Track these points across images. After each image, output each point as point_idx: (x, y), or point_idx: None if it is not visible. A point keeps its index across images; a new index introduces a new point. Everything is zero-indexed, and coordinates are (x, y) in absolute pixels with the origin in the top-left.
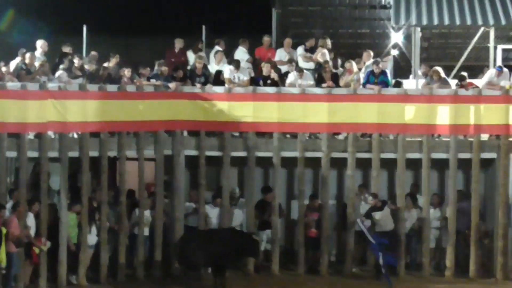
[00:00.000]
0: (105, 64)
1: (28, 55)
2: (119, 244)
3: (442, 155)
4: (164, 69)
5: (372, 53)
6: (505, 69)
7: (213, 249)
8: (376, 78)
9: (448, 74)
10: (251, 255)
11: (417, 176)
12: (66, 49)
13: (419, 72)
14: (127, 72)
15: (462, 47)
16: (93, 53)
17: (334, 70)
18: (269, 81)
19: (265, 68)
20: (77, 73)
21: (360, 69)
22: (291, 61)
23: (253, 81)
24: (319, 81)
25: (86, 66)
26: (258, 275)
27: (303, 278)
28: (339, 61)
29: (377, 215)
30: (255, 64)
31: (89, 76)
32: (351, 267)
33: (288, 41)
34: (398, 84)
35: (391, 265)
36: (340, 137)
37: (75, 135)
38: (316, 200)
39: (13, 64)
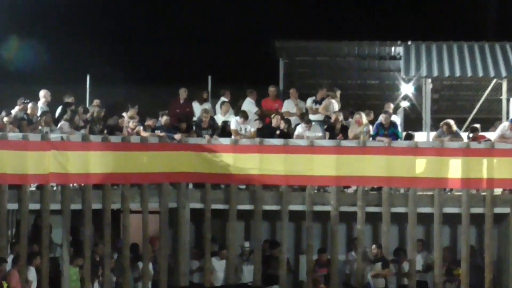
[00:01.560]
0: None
1: (30, 105)
2: None
3: (454, 210)
4: (168, 119)
5: (392, 105)
6: None
7: None
8: (385, 130)
9: (459, 127)
10: None
11: (428, 231)
12: (69, 99)
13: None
14: (132, 123)
15: (473, 99)
16: (96, 101)
17: (344, 122)
18: (278, 132)
19: (275, 120)
20: (80, 124)
21: (370, 121)
22: (303, 115)
23: (261, 133)
24: (328, 132)
25: (89, 115)
26: None
27: None
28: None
29: (377, 266)
30: (262, 115)
31: (93, 122)
32: None
33: (293, 91)
34: (409, 137)
35: None
36: (350, 190)
37: (77, 187)
38: (325, 254)
39: (13, 113)
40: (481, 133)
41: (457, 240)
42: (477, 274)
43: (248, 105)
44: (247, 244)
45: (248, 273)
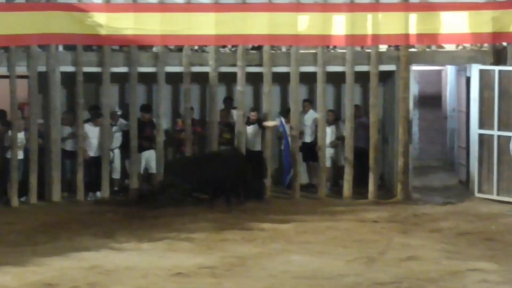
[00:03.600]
0: None
1: None
2: None
3: (338, 68)
4: None
5: None
6: None
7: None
8: None
9: None
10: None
11: (312, 90)
12: None
13: None
14: None
15: None
16: None
17: None
18: None
19: None
20: None
21: None
22: None
23: None
24: None
25: None
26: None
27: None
28: None
29: (249, 129)
30: None
31: None
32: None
33: None
34: None
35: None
36: (226, 50)
37: None
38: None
39: None
40: None
41: (341, 100)
42: (363, 133)
43: None
44: (116, 108)
45: (117, 139)
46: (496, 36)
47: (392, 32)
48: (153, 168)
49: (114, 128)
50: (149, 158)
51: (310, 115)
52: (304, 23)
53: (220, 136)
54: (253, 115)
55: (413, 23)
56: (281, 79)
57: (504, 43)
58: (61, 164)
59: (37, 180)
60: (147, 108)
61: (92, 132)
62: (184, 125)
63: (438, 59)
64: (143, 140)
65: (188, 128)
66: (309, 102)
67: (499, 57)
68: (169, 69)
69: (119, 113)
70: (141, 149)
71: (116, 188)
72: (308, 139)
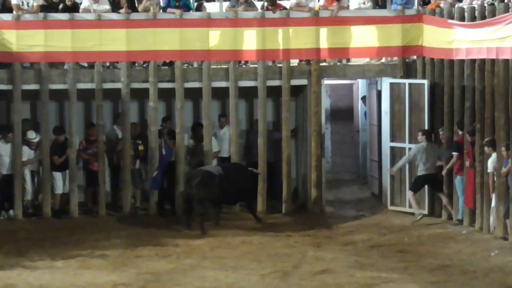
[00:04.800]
0: None
1: None
2: None
3: (250, 83)
4: None
5: None
6: None
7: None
8: (177, 1)
9: None
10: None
11: (224, 106)
12: None
13: None
14: None
15: None
16: None
17: None
18: (61, 7)
19: None
20: None
21: None
22: None
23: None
24: (115, 7)
25: None
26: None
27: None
28: None
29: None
30: None
31: None
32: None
33: None
34: (200, 8)
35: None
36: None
37: None
38: (94, 128)
39: None
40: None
41: (254, 114)
42: (274, 148)
43: None
44: (32, 134)
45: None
46: (405, 49)
47: (303, 47)
48: (68, 188)
49: (39, 151)
50: (66, 178)
51: (227, 130)
52: (215, 39)
53: (136, 150)
54: (168, 123)
55: (324, 38)
56: (194, 95)
57: (414, 56)
58: None
59: None
60: (60, 130)
61: (3, 149)
62: (88, 144)
63: (349, 73)
64: (60, 161)
65: (100, 144)
66: (226, 117)
67: (409, 70)
68: (81, 86)
69: (36, 139)
70: (61, 169)
71: (30, 211)
72: (225, 153)
